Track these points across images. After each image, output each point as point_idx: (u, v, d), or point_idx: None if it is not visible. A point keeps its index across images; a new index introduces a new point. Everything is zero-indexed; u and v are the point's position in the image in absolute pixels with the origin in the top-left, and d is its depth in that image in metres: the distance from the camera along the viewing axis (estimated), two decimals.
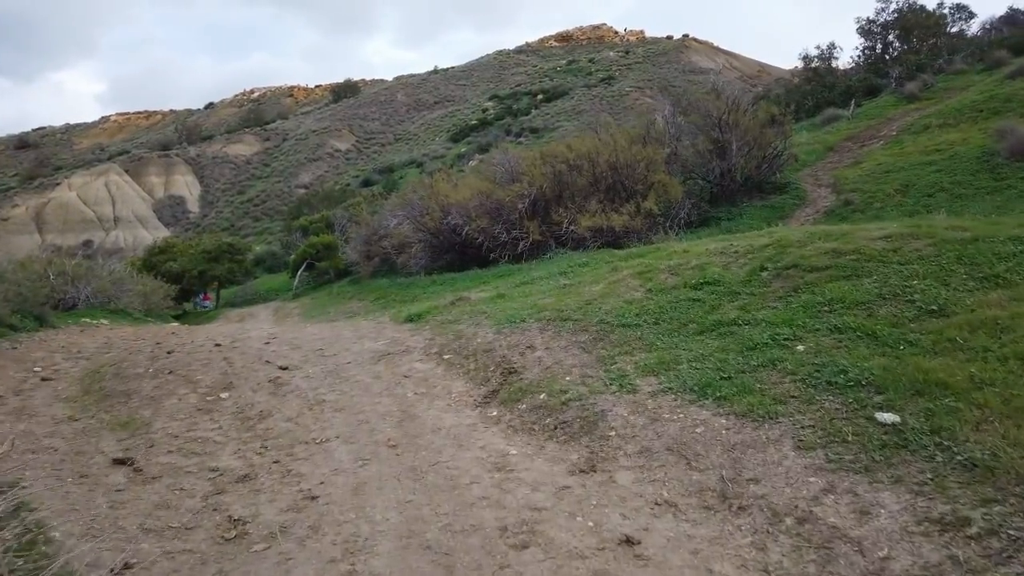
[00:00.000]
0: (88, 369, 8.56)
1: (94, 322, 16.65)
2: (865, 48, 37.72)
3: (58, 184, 72.92)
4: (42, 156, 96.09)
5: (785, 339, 5.39)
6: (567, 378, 5.70)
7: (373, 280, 20.82)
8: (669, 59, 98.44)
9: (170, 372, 7.23)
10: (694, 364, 5.39)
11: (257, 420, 5.66)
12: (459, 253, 18.44)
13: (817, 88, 35.05)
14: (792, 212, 17.72)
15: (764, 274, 6.97)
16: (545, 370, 5.95)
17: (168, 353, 8.36)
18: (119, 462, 4.86)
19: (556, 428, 4.89)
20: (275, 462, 4.73)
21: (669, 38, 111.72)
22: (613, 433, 4.57)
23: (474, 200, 17.43)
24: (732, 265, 7.66)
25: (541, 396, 5.44)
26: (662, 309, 6.80)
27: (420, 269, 18.47)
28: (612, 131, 18.96)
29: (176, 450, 5.08)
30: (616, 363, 5.78)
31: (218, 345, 8.57)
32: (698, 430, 4.32)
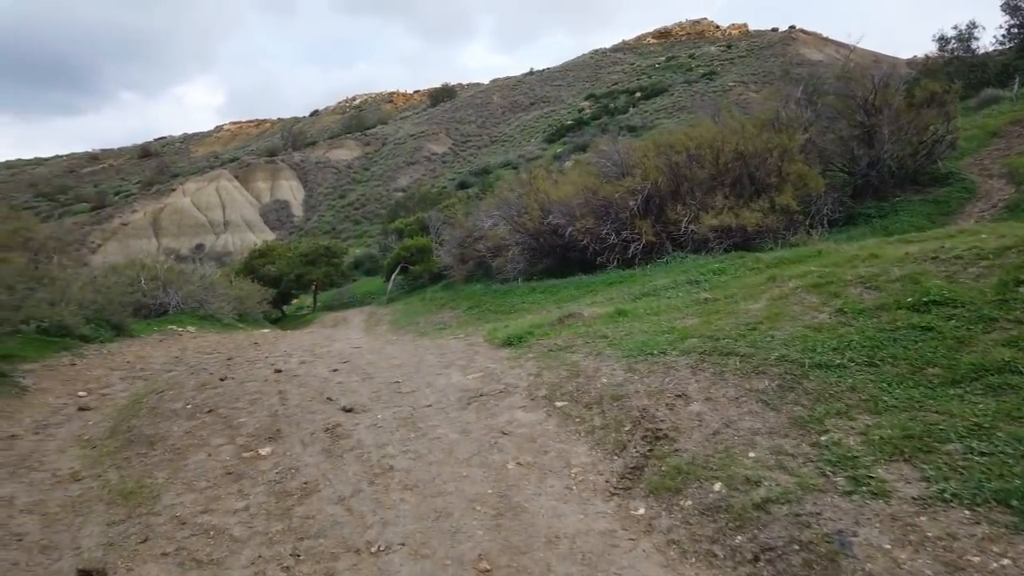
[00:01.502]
0: (137, 395, 7.30)
1: (179, 329, 15.91)
2: (1012, 26, 33.11)
3: (173, 190, 76.62)
4: (162, 164, 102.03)
5: None
6: (751, 455, 3.70)
7: (467, 285, 19.26)
8: (775, 52, 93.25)
9: (210, 411, 5.73)
10: (973, 444, 3.27)
11: (297, 499, 3.99)
12: (560, 257, 16.56)
13: (963, 68, 30.88)
14: (961, 207, 14.72)
15: None
16: (712, 437, 3.97)
17: (221, 380, 6.93)
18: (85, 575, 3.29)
19: (758, 559, 2.91)
20: None
21: (774, 30, 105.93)
22: None
23: (578, 197, 15.49)
24: (960, 275, 5.40)
25: (715, 487, 3.48)
26: (874, 342, 4.65)
27: (517, 274, 16.69)
28: (735, 116, 16.57)
29: (173, 553, 3.46)
30: (828, 432, 3.72)
31: (278, 372, 7.07)
32: None
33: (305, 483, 4.19)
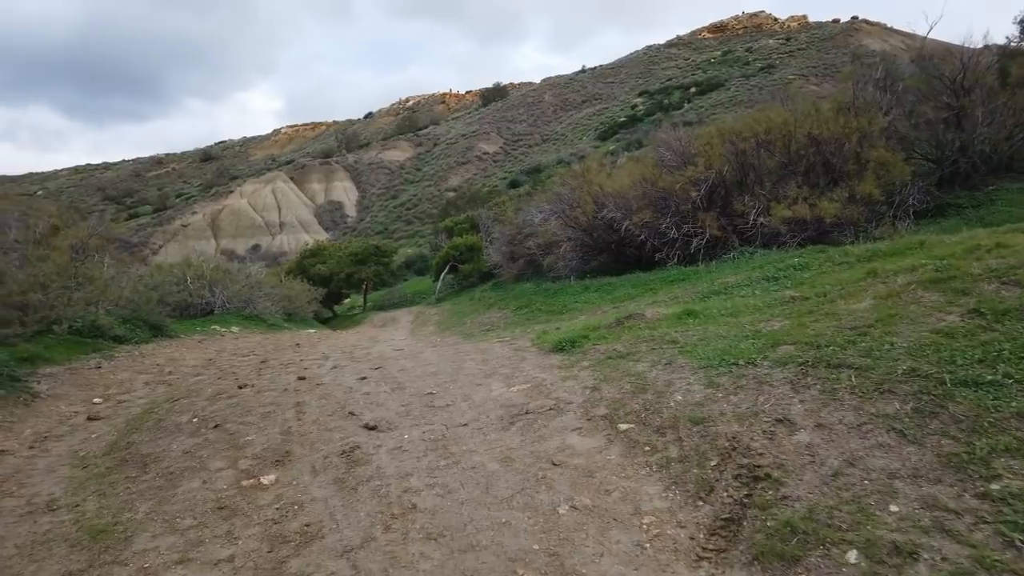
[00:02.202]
0: (154, 402, 6.68)
1: (222, 330, 15.52)
2: None
3: (231, 192, 78.27)
4: (222, 167, 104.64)
5: None
6: (893, 508, 2.70)
7: (517, 284, 18.40)
8: (836, 43, 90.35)
9: (216, 426, 5.00)
10: None
11: (295, 548, 3.17)
12: (615, 253, 15.52)
13: None
14: None
15: None
16: (832, 480, 2.97)
17: (239, 388, 6.24)
18: None
19: None
20: None
21: (835, 21, 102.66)
22: None
23: (635, 189, 14.44)
24: None
25: (850, 556, 2.49)
26: None
27: (570, 272, 15.73)
28: (807, 99, 15.25)
29: None
30: (999, 477, 2.69)
31: (301, 379, 6.33)
32: None
33: (307, 525, 3.36)
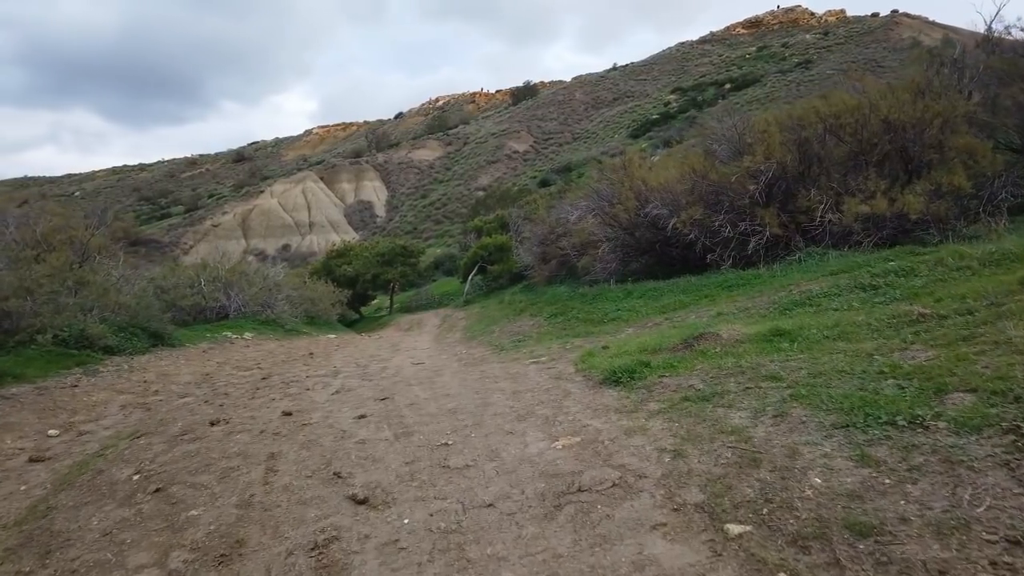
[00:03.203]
0: (119, 436, 5.49)
1: (233, 336, 14.43)
2: None
3: (262, 192, 78.18)
4: (254, 168, 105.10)
5: None
6: None
7: (549, 287, 17.01)
8: (876, 37, 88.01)
9: (158, 489, 3.72)
10: None
11: None
12: (658, 254, 14.03)
13: None
14: None
15: None
16: None
17: (211, 425, 4.98)
18: None
19: None
20: None
21: (875, 15, 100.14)
22: None
23: (683, 183, 12.96)
24: None
25: None
26: None
27: (608, 275, 14.28)
28: (878, 82, 13.61)
29: None
30: None
31: (286, 415, 5.03)
32: None
33: None
